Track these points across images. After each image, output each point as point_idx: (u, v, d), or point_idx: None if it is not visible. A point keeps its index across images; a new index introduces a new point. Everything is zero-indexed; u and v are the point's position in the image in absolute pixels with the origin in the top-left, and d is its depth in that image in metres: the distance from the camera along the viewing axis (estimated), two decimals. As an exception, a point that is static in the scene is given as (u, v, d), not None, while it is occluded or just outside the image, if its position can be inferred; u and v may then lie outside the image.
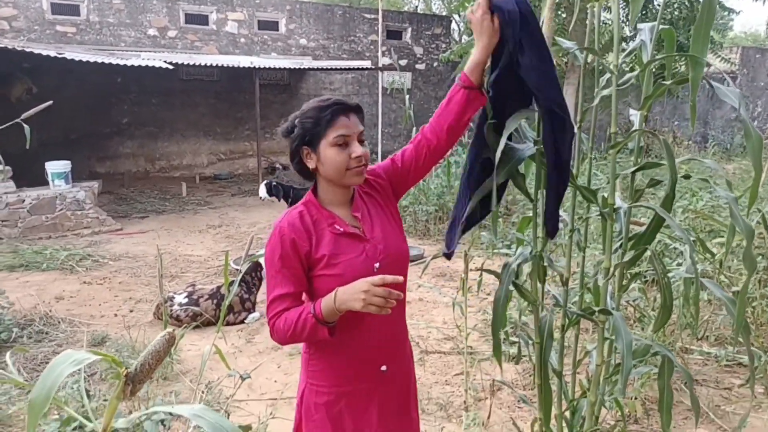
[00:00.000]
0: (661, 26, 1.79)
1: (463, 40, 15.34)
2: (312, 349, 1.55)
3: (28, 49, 7.33)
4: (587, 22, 1.87)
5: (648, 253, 1.92)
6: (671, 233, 4.46)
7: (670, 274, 3.53)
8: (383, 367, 1.54)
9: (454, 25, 17.31)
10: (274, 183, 5.93)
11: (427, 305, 4.73)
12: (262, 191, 5.83)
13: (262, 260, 1.56)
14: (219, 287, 4.36)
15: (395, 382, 1.60)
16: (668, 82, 1.70)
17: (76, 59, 7.50)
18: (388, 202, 1.61)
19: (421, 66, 14.12)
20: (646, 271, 3.93)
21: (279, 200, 5.85)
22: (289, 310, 1.43)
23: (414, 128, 7.64)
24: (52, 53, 7.49)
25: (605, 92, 1.84)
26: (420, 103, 13.73)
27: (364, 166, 1.48)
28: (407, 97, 7.28)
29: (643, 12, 8.84)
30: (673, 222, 1.66)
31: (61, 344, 3.78)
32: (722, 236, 4.46)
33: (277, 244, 1.44)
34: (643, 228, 1.91)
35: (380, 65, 12.00)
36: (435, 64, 14.23)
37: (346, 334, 1.46)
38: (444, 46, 14.32)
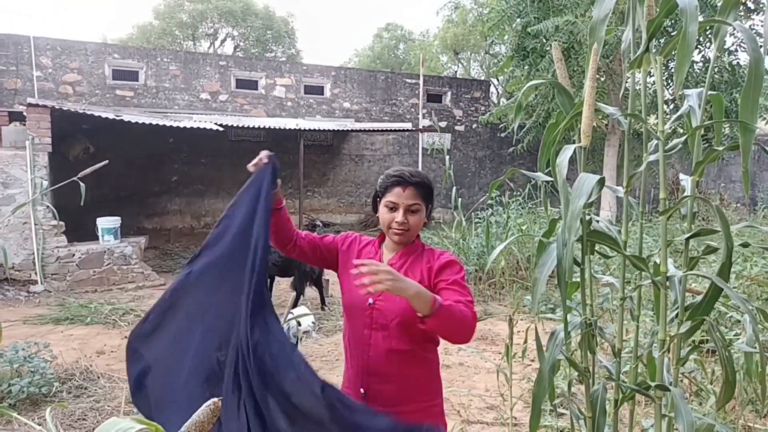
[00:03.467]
0: (708, 92, 1.77)
1: (501, 103, 15.58)
2: None
3: (89, 112, 7.82)
4: (626, 86, 1.86)
5: (705, 324, 1.83)
6: (728, 301, 4.24)
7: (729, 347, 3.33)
8: (361, 390, 1.74)
9: (492, 89, 17.64)
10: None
11: (468, 370, 4.57)
12: None
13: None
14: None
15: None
16: (721, 148, 1.65)
17: (133, 121, 7.94)
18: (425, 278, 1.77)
19: (460, 128, 14.33)
20: (702, 341, 3.71)
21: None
22: None
23: (454, 188, 7.68)
24: (111, 115, 7.96)
25: (652, 158, 1.81)
26: (459, 163, 13.84)
27: (404, 231, 1.77)
28: (447, 157, 7.35)
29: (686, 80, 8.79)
30: (732, 292, 1.57)
31: (98, 400, 3.79)
32: (782, 305, 4.21)
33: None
34: (699, 297, 1.82)
35: (420, 127, 12.25)
36: (474, 125, 14.43)
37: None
38: (483, 108, 14.55)
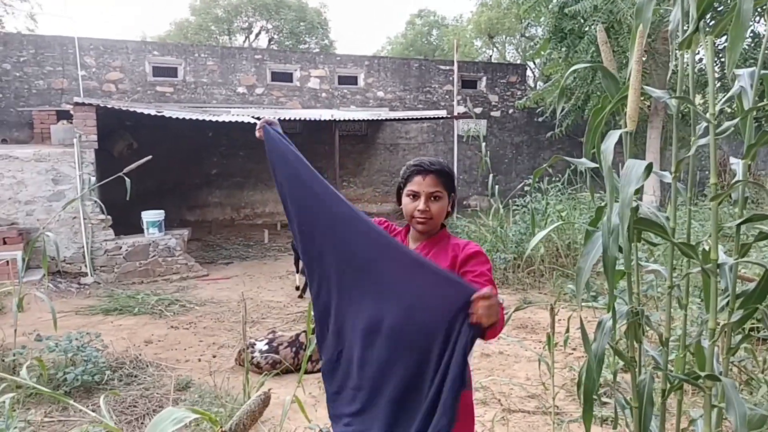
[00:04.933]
0: (762, 71, 1.69)
1: (538, 87, 15.25)
2: None
3: (131, 109, 8.06)
4: (670, 65, 1.79)
5: (759, 313, 1.76)
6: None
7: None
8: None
9: (529, 73, 17.29)
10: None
11: (508, 359, 4.54)
12: None
13: None
14: (298, 335, 4.41)
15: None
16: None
17: (173, 116, 8.14)
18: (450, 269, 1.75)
19: (496, 113, 14.12)
20: (753, 329, 3.59)
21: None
22: None
23: (490, 174, 7.58)
24: (152, 111, 8.17)
25: (701, 141, 1.74)
26: (496, 150, 13.66)
27: (427, 219, 1.77)
28: (483, 144, 7.26)
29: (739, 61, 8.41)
30: (789, 280, 1.51)
31: (148, 388, 3.93)
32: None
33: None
34: (752, 285, 1.75)
35: (455, 114, 12.13)
36: (511, 111, 14.20)
37: None
38: (519, 93, 14.29)
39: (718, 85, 7.18)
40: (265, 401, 0.78)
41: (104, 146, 8.18)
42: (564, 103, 10.75)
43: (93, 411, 3.27)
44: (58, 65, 10.57)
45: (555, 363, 3.19)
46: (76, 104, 7.32)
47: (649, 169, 1.53)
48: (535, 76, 18.33)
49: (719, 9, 7.29)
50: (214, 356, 4.67)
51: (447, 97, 13.54)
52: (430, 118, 12.35)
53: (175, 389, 3.90)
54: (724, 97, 1.87)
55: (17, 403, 3.46)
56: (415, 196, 1.78)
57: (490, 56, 21.95)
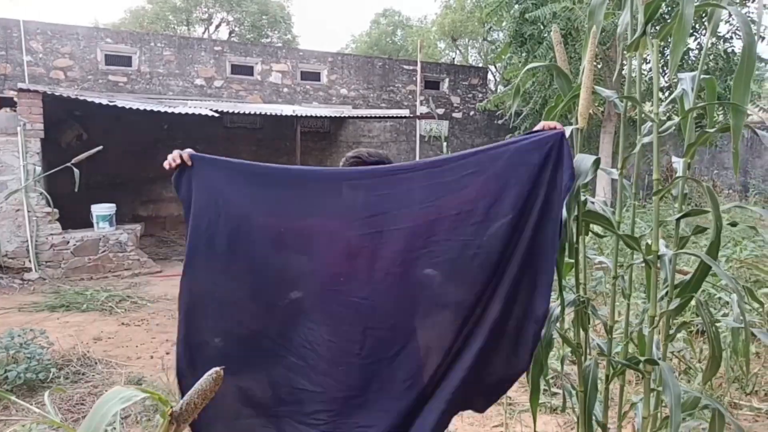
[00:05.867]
0: (702, 75, 1.79)
1: (499, 90, 15.55)
2: None
3: (81, 97, 7.77)
4: (622, 71, 1.88)
5: (694, 301, 1.86)
6: (716, 282, 4.31)
7: (717, 324, 3.39)
8: None
9: (490, 76, 17.58)
10: None
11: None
12: None
13: None
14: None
15: None
16: (711, 130, 1.68)
17: (126, 107, 7.89)
18: None
19: (458, 114, 14.31)
20: (692, 321, 3.79)
21: None
22: None
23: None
24: (104, 101, 7.91)
25: (646, 140, 1.83)
26: (457, 150, 13.83)
27: None
28: (444, 144, 7.35)
29: (679, 63, 8.85)
30: (720, 269, 1.61)
31: (96, 385, 3.81)
32: (769, 287, 4.28)
33: None
34: (689, 276, 1.86)
35: (418, 114, 12.22)
36: (472, 112, 14.41)
37: None
38: (480, 95, 14.53)
39: (667, 93, 7.53)
40: (217, 380, 0.78)
41: (51, 136, 7.86)
42: (522, 106, 11.02)
43: (38, 409, 3.16)
44: (1, 49, 10.08)
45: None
46: (21, 90, 7.02)
47: (596, 163, 1.60)
48: (496, 79, 18.66)
49: (668, 19, 7.63)
50: (167, 353, 4.57)
51: (410, 96, 13.63)
52: (393, 117, 12.41)
53: (125, 385, 3.80)
54: (668, 98, 1.97)
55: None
56: None
57: (453, 59, 22.22)
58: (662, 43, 1.76)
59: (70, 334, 4.85)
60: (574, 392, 1.96)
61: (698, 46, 9.20)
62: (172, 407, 0.85)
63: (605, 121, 10.21)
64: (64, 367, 4.00)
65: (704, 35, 8.99)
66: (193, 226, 1.69)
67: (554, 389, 3.28)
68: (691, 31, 8.91)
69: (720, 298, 4.38)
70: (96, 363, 4.20)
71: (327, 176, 1.79)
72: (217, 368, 0.85)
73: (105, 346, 4.67)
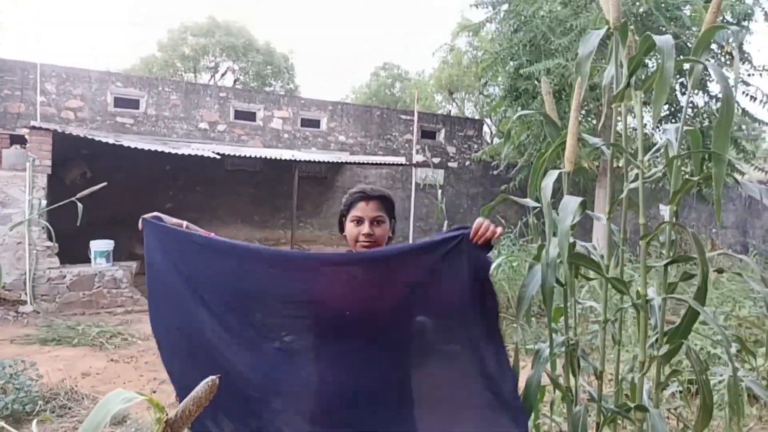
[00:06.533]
0: (685, 128, 1.89)
1: (494, 142, 15.87)
2: None
3: (89, 136, 7.93)
4: (609, 124, 1.97)
5: (684, 348, 1.89)
6: (712, 336, 4.30)
7: (715, 379, 3.37)
8: None
9: (486, 128, 17.98)
10: None
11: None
12: None
13: None
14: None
15: None
16: (695, 178, 1.76)
17: (132, 146, 8.05)
18: None
19: (453, 164, 14.55)
20: (684, 369, 3.77)
21: None
22: None
23: (446, 222, 7.76)
24: (111, 140, 8.07)
25: (633, 185, 1.91)
26: (452, 199, 13.99)
27: (371, 243, 1.84)
28: (440, 192, 7.48)
29: (673, 121, 9.12)
30: (707, 315, 1.65)
31: (81, 420, 3.75)
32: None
33: None
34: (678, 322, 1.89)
35: (414, 162, 12.44)
36: (467, 162, 14.66)
37: None
38: (476, 146, 14.82)
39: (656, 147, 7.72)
40: (212, 388, 0.81)
41: (57, 173, 7.97)
42: (516, 158, 11.25)
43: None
44: (17, 89, 10.35)
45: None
46: (33, 128, 7.18)
47: (583, 205, 1.67)
48: (492, 131, 19.07)
49: (649, 67, 7.94)
50: (154, 391, 4.51)
51: (407, 145, 13.90)
52: (389, 164, 12.61)
53: (111, 422, 3.74)
54: (653, 148, 2.06)
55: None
56: (359, 221, 1.86)
57: (450, 111, 22.75)
58: (646, 95, 1.86)
59: (59, 368, 4.79)
60: (564, 437, 1.95)
61: (692, 104, 9.53)
62: (167, 414, 0.87)
63: (600, 176, 10.40)
64: (51, 400, 3.94)
65: (697, 94, 9.31)
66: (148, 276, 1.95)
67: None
68: (685, 91, 9.25)
69: (718, 356, 4.35)
70: (83, 398, 4.13)
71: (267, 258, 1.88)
72: (213, 377, 0.89)
73: (93, 382, 4.61)
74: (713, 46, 8.61)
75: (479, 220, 1.65)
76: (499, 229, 1.65)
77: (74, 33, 45.24)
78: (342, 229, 1.95)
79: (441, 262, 1.64)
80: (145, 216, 1.96)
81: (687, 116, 9.27)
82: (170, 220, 1.96)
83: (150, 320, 1.99)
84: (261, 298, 1.78)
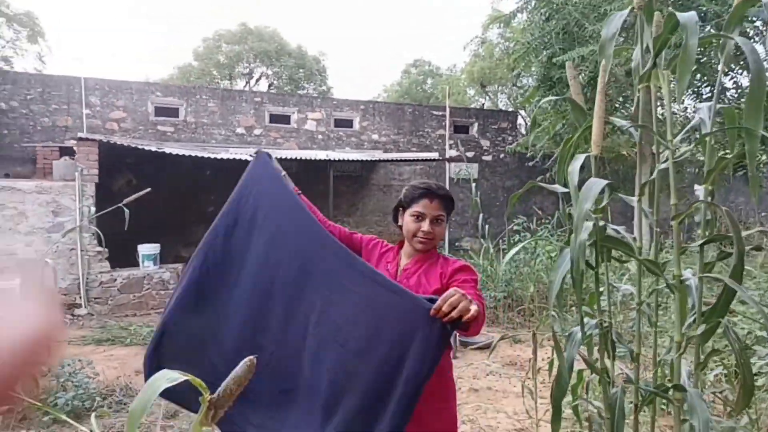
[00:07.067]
0: (720, 105, 1.86)
1: (530, 133, 15.65)
2: None
3: (133, 144, 8.26)
4: (653, 110, 1.94)
5: (721, 329, 1.86)
6: (759, 318, 4.16)
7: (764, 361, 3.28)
8: None
9: (520, 120, 17.76)
10: None
11: (496, 394, 4.57)
12: None
13: None
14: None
15: None
16: (729, 156, 1.74)
17: (174, 153, 8.34)
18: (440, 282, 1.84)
19: (487, 157, 14.44)
20: (725, 350, 3.67)
21: None
22: None
23: (481, 215, 7.74)
24: (154, 148, 8.38)
25: (663, 166, 1.89)
26: (487, 192, 13.90)
27: (429, 240, 1.86)
28: (474, 185, 7.45)
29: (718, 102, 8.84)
30: (743, 291, 1.63)
31: (138, 415, 3.94)
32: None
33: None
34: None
35: (447, 157, 12.41)
36: (502, 155, 14.52)
37: None
38: (510, 138, 14.66)
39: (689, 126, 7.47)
40: (251, 367, 0.87)
41: (103, 182, 8.34)
42: (553, 149, 11.08)
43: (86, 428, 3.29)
44: (63, 104, 10.84)
45: (541, 398, 3.24)
46: (80, 139, 7.53)
47: (611, 188, 1.67)
48: (526, 123, 18.82)
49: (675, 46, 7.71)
50: (202, 384, 4.67)
51: (440, 141, 13.88)
52: (422, 160, 12.63)
53: (164, 417, 3.91)
54: (684, 128, 2.03)
55: (6, 428, 3.47)
56: (419, 217, 1.85)
57: (483, 104, 22.56)
58: (674, 74, 1.84)
59: (114, 367, 5.03)
60: (601, 421, 1.96)
61: (734, 85, 9.18)
62: (210, 393, 0.94)
63: (641, 162, 10.15)
64: (107, 396, 4.16)
65: (740, 74, 8.97)
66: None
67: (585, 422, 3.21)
68: (726, 70, 8.92)
69: (765, 339, 4.23)
70: (137, 394, 4.32)
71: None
72: (251, 356, 0.95)
73: (145, 380, 4.81)
74: (758, 23, 8.28)
75: (449, 292, 1.44)
76: (473, 307, 1.42)
77: (90, 40, 46.69)
78: (396, 219, 1.96)
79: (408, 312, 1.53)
80: (261, 149, 2.05)
81: (732, 96, 8.95)
82: (275, 164, 2.08)
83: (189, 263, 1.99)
84: (315, 293, 1.72)
